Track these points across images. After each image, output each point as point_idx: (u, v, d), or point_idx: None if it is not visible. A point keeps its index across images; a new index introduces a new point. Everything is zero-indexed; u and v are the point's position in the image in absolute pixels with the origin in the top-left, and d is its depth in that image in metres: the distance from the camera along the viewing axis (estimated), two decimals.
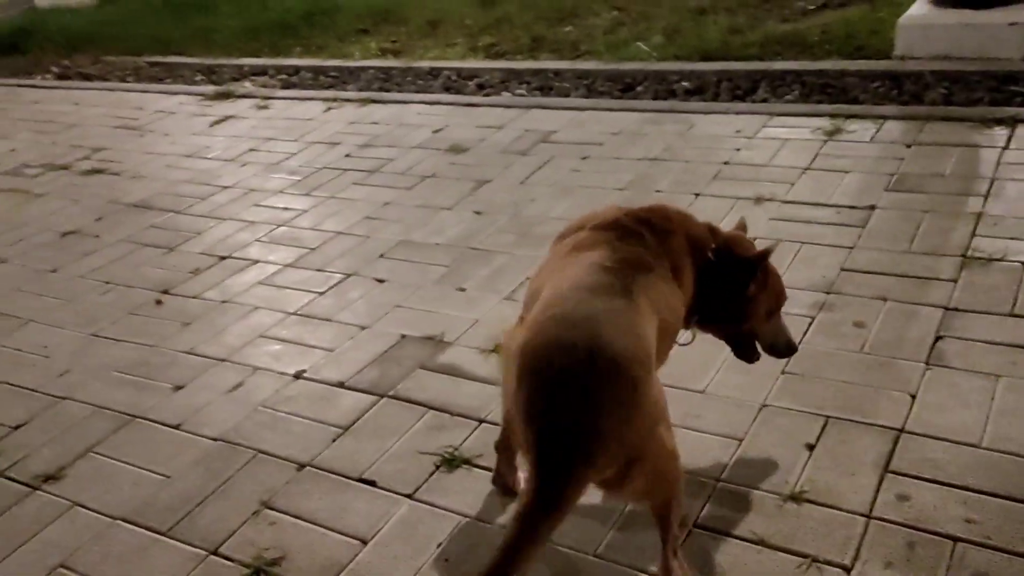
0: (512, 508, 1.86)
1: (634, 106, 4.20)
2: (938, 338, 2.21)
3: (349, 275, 3.01)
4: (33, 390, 2.57)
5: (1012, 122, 3.28)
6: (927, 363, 2.13)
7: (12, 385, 2.62)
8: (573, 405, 1.34)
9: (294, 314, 2.80)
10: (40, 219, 3.88)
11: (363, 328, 2.67)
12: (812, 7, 5.15)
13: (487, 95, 4.77)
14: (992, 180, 2.92)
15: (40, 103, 5.84)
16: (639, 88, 4.48)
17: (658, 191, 3.26)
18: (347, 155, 4.11)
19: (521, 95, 4.69)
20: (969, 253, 2.54)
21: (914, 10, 4.09)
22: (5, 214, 3.99)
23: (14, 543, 1.98)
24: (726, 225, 2.86)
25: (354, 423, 2.22)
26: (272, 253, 3.25)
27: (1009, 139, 3.18)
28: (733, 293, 1.78)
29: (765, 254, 1.79)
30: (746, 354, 1.93)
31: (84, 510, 2.06)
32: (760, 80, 4.26)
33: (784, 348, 1.93)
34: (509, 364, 1.49)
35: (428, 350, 2.50)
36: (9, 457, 2.28)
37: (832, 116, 3.63)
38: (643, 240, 1.66)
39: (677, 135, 3.75)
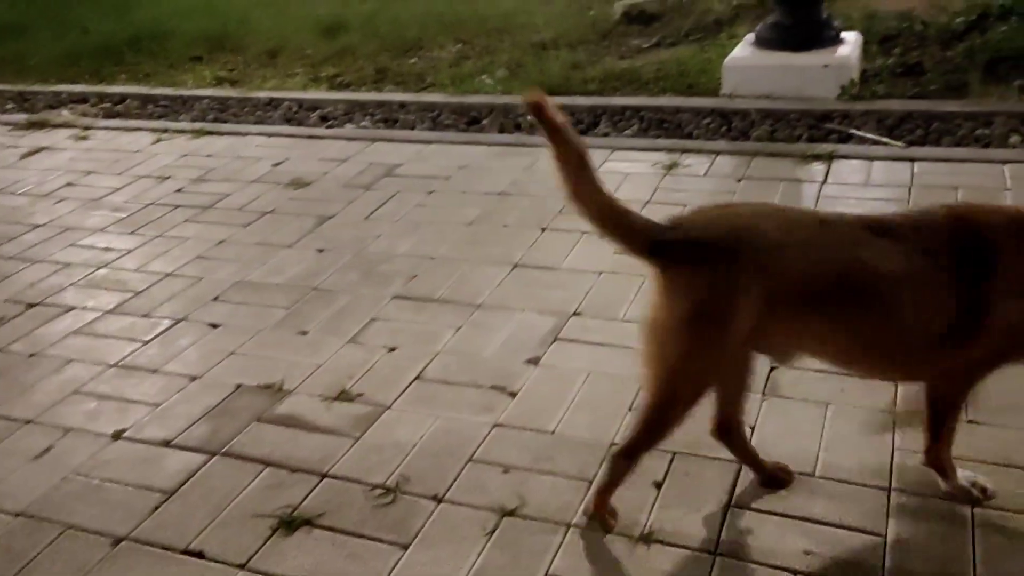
0: None
1: (480, 139, 4.19)
2: (772, 368, 2.28)
3: (179, 320, 2.80)
4: None
5: (829, 158, 3.50)
6: (763, 394, 2.19)
7: None
8: None
9: (115, 366, 2.57)
10: None
11: (193, 379, 2.47)
12: (646, 45, 5.36)
13: (330, 127, 4.64)
14: None
15: None
16: (484, 121, 4.49)
17: (505, 225, 3.25)
18: (178, 190, 3.86)
19: (365, 127, 4.59)
20: None
21: (737, 52, 4.32)
22: None
23: None
24: (573, 259, 2.91)
25: (180, 487, 2.04)
26: (91, 298, 2.98)
27: (827, 174, 3.38)
28: None
29: None
30: None
31: None
32: (601, 115, 4.36)
33: None
34: None
35: (266, 400, 2.35)
36: None
37: (669, 151, 3.75)
38: None
39: (523, 169, 3.76)
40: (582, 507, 1.88)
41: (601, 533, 1.81)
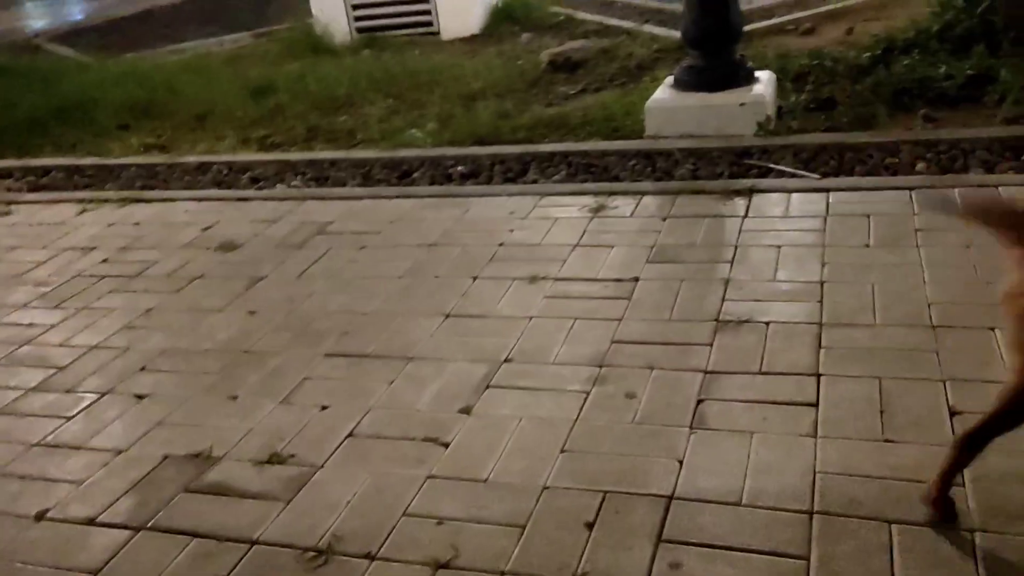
0: None
1: (411, 192, 4.23)
2: (699, 401, 2.33)
3: (104, 394, 2.75)
4: None
5: (749, 192, 3.60)
6: (691, 427, 2.23)
7: None
8: None
9: (37, 445, 2.51)
10: None
11: (119, 452, 2.42)
12: (573, 92, 5.48)
13: (261, 188, 4.64)
14: (736, 247, 3.17)
15: None
16: (416, 175, 4.53)
17: (437, 276, 3.27)
18: (104, 260, 3.81)
19: (296, 186, 4.59)
20: (721, 317, 2.72)
21: (658, 94, 4.45)
22: None
23: None
24: (504, 306, 2.94)
25: (105, 565, 1.99)
26: (13, 377, 2.91)
27: (747, 208, 3.48)
28: None
29: None
30: None
31: None
32: (530, 162, 4.44)
33: None
34: None
35: (194, 469, 2.31)
36: None
37: (596, 194, 3.83)
38: None
39: (454, 220, 3.79)
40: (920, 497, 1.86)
41: None
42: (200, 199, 4.48)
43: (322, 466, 2.27)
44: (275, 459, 2.32)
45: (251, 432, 2.45)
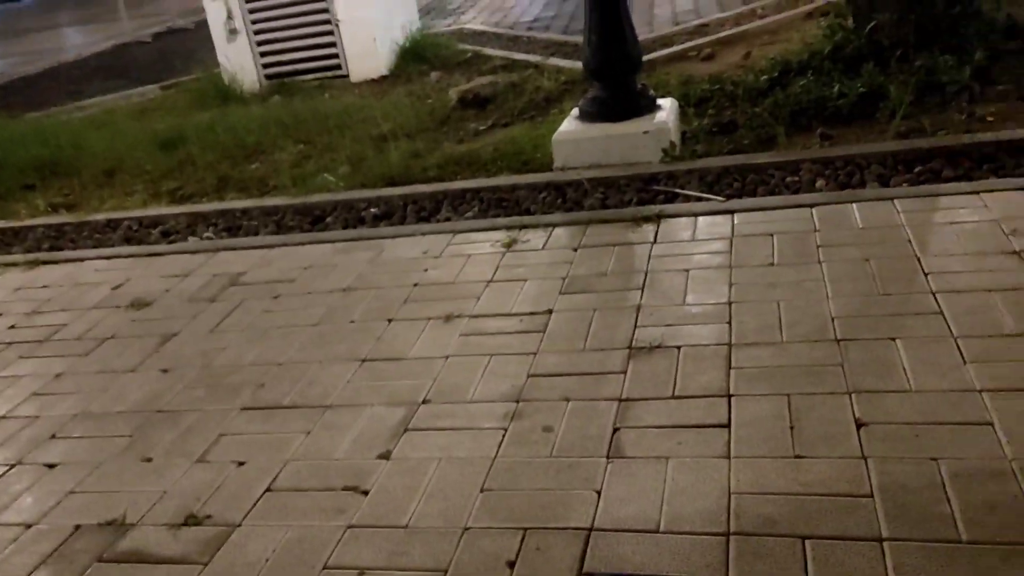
0: None
1: (323, 238, 4.20)
2: (616, 430, 2.36)
3: (13, 466, 2.64)
4: None
5: (657, 218, 3.69)
6: (608, 457, 2.26)
7: None
8: None
9: None
10: None
11: (29, 527, 2.33)
12: (483, 128, 5.55)
13: (172, 242, 4.55)
14: (646, 273, 3.24)
15: None
16: (328, 219, 4.51)
17: (352, 321, 3.25)
18: (11, 327, 3.69)
19: (209, 238, 4.53)
20: (634, 344, 2.77)
21: (565, 126, 4.54)
22: None
23: None
24: (420, 347, 2.94)
25: None
26: None
27: (656, 234, 3.57)
28: None
29: None
30: None
31: None
32: (443, 200, 4.46)
33: None
34: None
35: (107, 537, 2.24)
36: None
37: (508, 228, 3.87)
38: None
39: (368, 262, 3.79)
40: None
41: None
42: (110, 257, 4.37)
43: (239, 524, 2.22)
44: (191, 521, 2.26)
45: (166, 494, 2.39)
